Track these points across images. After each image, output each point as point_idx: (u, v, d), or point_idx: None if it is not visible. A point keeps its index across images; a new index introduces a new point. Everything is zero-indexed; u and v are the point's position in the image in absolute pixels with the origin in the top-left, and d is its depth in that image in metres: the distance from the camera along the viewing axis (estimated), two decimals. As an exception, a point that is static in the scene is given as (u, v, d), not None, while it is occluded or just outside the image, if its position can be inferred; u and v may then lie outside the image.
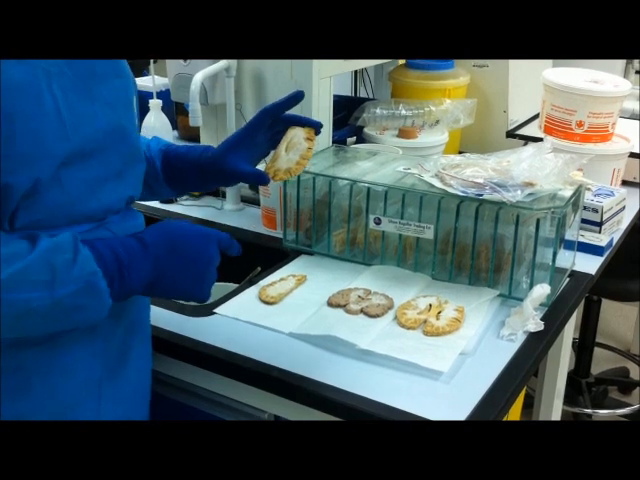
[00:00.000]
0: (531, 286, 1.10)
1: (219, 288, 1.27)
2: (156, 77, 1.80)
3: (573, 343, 1.83)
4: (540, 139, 1.63)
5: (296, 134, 0.98)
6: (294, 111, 1.01)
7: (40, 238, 0.73)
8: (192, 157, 1.02)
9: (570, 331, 1.51)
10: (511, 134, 1.86)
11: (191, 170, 1.02)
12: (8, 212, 0.74)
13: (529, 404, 1.67)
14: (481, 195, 1.12)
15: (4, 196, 0.73)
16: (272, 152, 1.01)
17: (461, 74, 1.83)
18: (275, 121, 1.00)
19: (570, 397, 2.32)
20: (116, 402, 0.88)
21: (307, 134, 0.98)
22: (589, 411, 2.35)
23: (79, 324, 0.78)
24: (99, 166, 0.79)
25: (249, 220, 1.46)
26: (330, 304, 1.11)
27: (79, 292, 0.74)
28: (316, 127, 1.00)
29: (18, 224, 0.75)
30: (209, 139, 1.62)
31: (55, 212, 0.77)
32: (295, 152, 0.96)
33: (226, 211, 1.51)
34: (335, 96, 1.51)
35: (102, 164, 0.80)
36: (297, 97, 0.99)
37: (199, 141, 1.66)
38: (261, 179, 0.97)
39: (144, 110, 1.75)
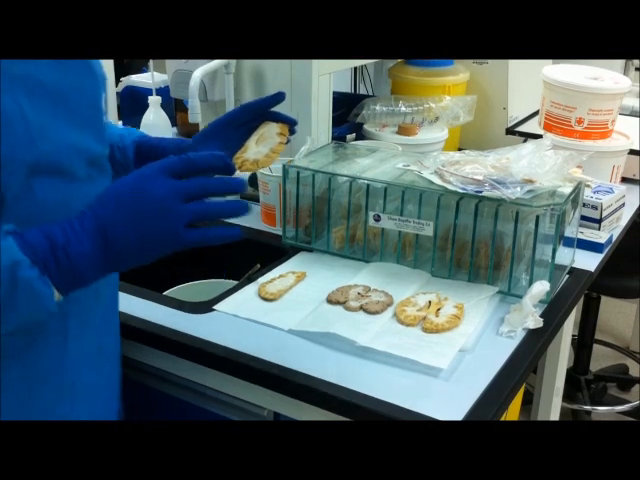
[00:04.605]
0: (530, 283, 1.10)
1: (218, 285, 1.27)
2: (155, 74, 1.80)
3: (572, 340, 1.83)
4: (540, 136, 1.63)
5: (269, 129, 0.97)
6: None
7: None
8: (166, 148, 1.01)
9: (569, 328, 1.51)
10: (511, 131, 1.86)
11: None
12: None
13: (528, 401, 1.67)
14: (480, 192, 1.12)
15: None
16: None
17: (461, 71, 1.83)
18: (253, 118, 0.99)
19: (569, 394, 2.33)
20: (90, 402, 0.87)
21: (280, 129, 0.97)
22: (588, 408, 2.35)
23: (22, 324, 0.72)
24: (69, 175, 0.76)
25: (248, 217, 1.45)
26: (329, 301, 1.11)
27: (3, 288, 0.66)
28: (290, 123, 0.99)
29: None
30: (208, 136, 1.62)
31: (25, 222, 0.72)
32: (265, 145, 0.95)
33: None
34: (335, 93, 1.51)
35: (71, 174, 0.77)
36: (278, 98, 0.99)
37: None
38: (226, 167, 0.92)
39: (143, 107, 1.75)
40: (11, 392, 0.78)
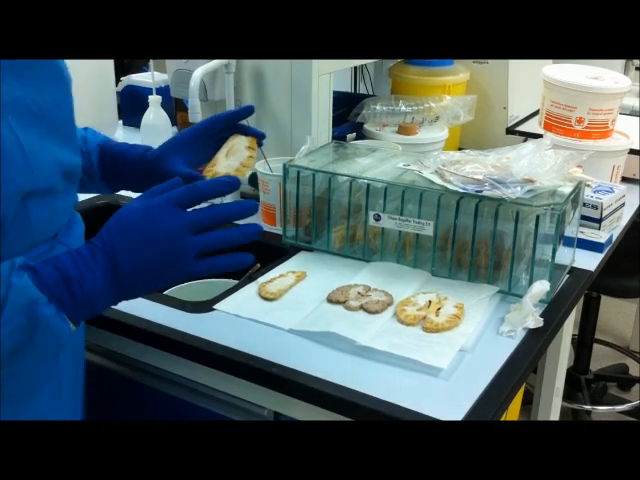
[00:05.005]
0: (531, 283, 1.10)
1: (218, 284, 1.27)
2: (155, 73, 1.80)
3: (572, 340, 1.83)
4: (540, 135, 1.63)
5: (238, 142, 0.97)
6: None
7: None
8: (133, 156, 1.00)
9: (569, 328, 1.51)
10: (511, 130, 1.86)
11: (130, 169, 1.00)
12: None
13: (528, 401, 1.67)
14: (481, 191, 1.12)
15: None
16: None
17: (461, 70, 1.83)
18: (222, 129, 0.99)
19: (569, 393, 2.33)
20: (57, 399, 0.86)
21: (249, 143, 0.97)
22: (588, 407, 2.36)
23: (34, 358, 0.73)
24: (54, 191, 0.77)
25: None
26: (330, 300, 1.11)
27: (19, 329, 0.67)
28: (258, 137, 0.99)
29: None
30: (209, 135, 1.62)
31: (16, 241, 0.72)
32: (235, 159, 0.95)
33: (226, 207, 1.51)
34: (335, 92, 1.50)
35: (56, 189, 0.77)
36: (248, 110, 0.99)
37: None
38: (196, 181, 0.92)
39: (143, 106, 1.76)
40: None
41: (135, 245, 0.72)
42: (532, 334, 1.04)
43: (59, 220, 0.78)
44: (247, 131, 0.99)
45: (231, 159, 0.95)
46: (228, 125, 0.99)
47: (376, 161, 1.31)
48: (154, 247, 0.72)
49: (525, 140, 1.74)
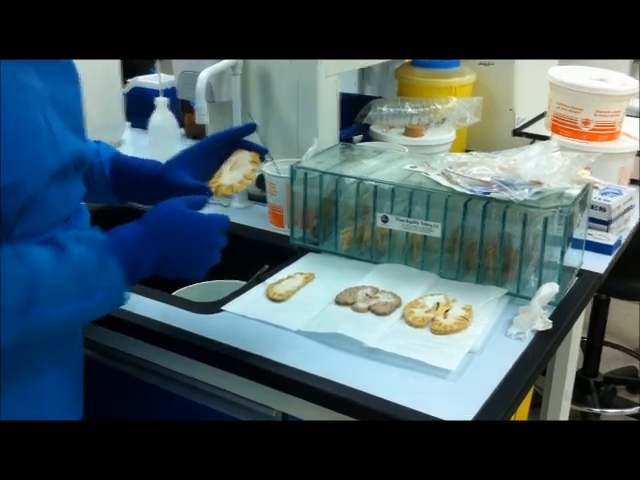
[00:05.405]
0: (539, 285, 1.10)
1: (227, 285, 1.27)
2: (162, 75, 1.81)
3: (581, 342, 1.82)
4: (547, 137, 1.63)
5: (242, 156, 1.03)
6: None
7: (68, 248, 0.76)
8: (144, 170, 1.06)
9: (578, 330, 1.51)
10: (518, 132, 1.86)
11: (141, 182, 1.05)
12: (7, 228, 0.77)
13: (537, 403, 1.67)
14: (488, 193, 1.12)
15: (11, 214, 0.76)
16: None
17: (467, 72, 1.83)
18: (224, 147, 1.05)
19: (578, 396, 2.32)
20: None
21: (252, 158, 1.02)
22: (597, 410, 2.34)
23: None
24: (67, 177, 0.83)
25: (256, 218, 1.46)
26: (338, 302, 1.11)
27: (106, 300, 0.80)
28: (261, 152, 1.05)
29: (12, 236, 0.78)
30: (216, 137, 1.62)
31: (36, 220, 0.79)
32: (239, 172, 1.00)
33: (233, 209, 1.51)
34: (341, 94, 1.50)
35: (68, 175, 0.84)
36: (249, 128, 1.06)
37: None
38: (203, 192, 0.99)
39: (150, 108, 1.76)
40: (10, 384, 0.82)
41: (182, 248, 0.86)
42: (541, 336, 1.04)
43: (71, 203, 0.86)
44: (250, 147, 1.05)
45: (235, 172, 1.00)
46: (231, 142, 1.05)
47: (383, 163, 1.31)
48: (191, 254, 0.87)
49: (532, 142, 1.74)
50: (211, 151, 1.05)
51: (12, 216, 0.76)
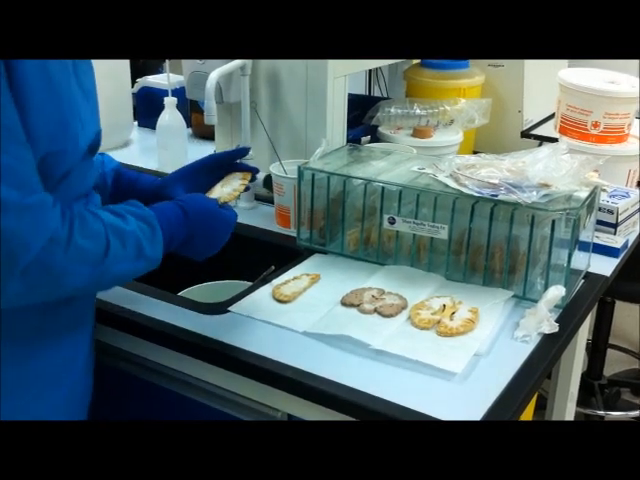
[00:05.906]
0: (546, 287, 1.10)
1: (233, 286, 1.27)
2: (171, 75, 1.81)
3: (586, 345, 1.82)
4: (555, 139, 1.63)
5: (233, 177, 1.11)
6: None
7: (128, 217, 0.88)
8: (143, 183, 1.13)
9: (584, 333, 1.51)
10: (526, 134, 1.85)
11: (138, 192, 1.11)
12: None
13: (542, 406, 1.66)
14: (496, 196, 1.12)
15: (55, 178, 0.84)
16: None
17: (476, 74, 1.83)
18: (220, 167, 1.12)
19: (582, 399, 2.31)
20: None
21: (243, 176, 1.11)
22: (602, 413, 2.34)
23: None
24: (89, 156, 0.91)
25: (262, 218, 1.46)
26: (344, 303, 1.11)
27: (145, 268, 0.90)
28: (252, 172, 1.12)
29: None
30: (223, 137, 1.63)
31: (65, 194, 0.86)
32: (228, 187, 1.08)
33: (240, 209, 1.51)
34: (349, 95, 1.50)
35: (90, 155, 0.92)
36: (242, 152, 1.14)
37: (213, 139, 1.66)
38: None
39: (159, 108, 1.76)
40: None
41: (205, 234, 0.99)
42: (547, 339, 1.04)
43: (89, 182, 0.94)
44: (242, 168, 1.12)
45: (225, 187, 1.08)
46: (224, 163, 1.13)
47: (391, 164, 1.31)
48: (211, 241, 1.00)
49: (540, 144, 1.74)
50: (206, 170, 1.12)
51: (55, 181, 0.83)
